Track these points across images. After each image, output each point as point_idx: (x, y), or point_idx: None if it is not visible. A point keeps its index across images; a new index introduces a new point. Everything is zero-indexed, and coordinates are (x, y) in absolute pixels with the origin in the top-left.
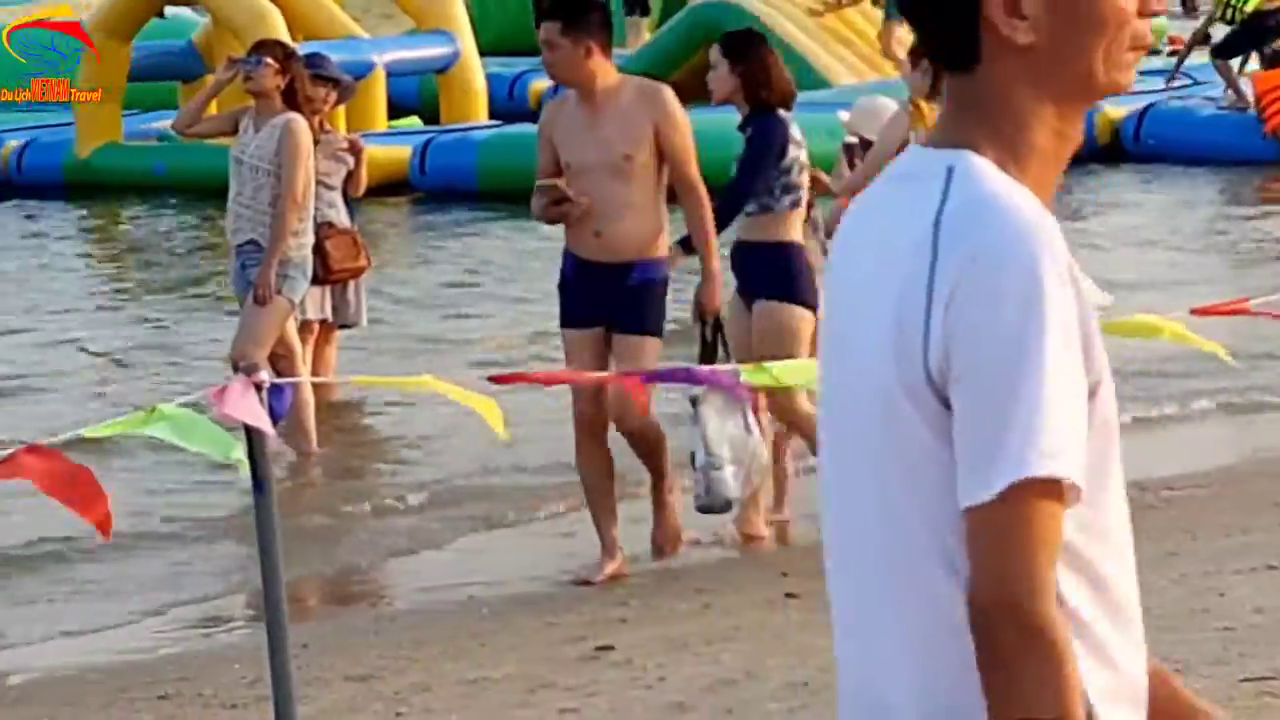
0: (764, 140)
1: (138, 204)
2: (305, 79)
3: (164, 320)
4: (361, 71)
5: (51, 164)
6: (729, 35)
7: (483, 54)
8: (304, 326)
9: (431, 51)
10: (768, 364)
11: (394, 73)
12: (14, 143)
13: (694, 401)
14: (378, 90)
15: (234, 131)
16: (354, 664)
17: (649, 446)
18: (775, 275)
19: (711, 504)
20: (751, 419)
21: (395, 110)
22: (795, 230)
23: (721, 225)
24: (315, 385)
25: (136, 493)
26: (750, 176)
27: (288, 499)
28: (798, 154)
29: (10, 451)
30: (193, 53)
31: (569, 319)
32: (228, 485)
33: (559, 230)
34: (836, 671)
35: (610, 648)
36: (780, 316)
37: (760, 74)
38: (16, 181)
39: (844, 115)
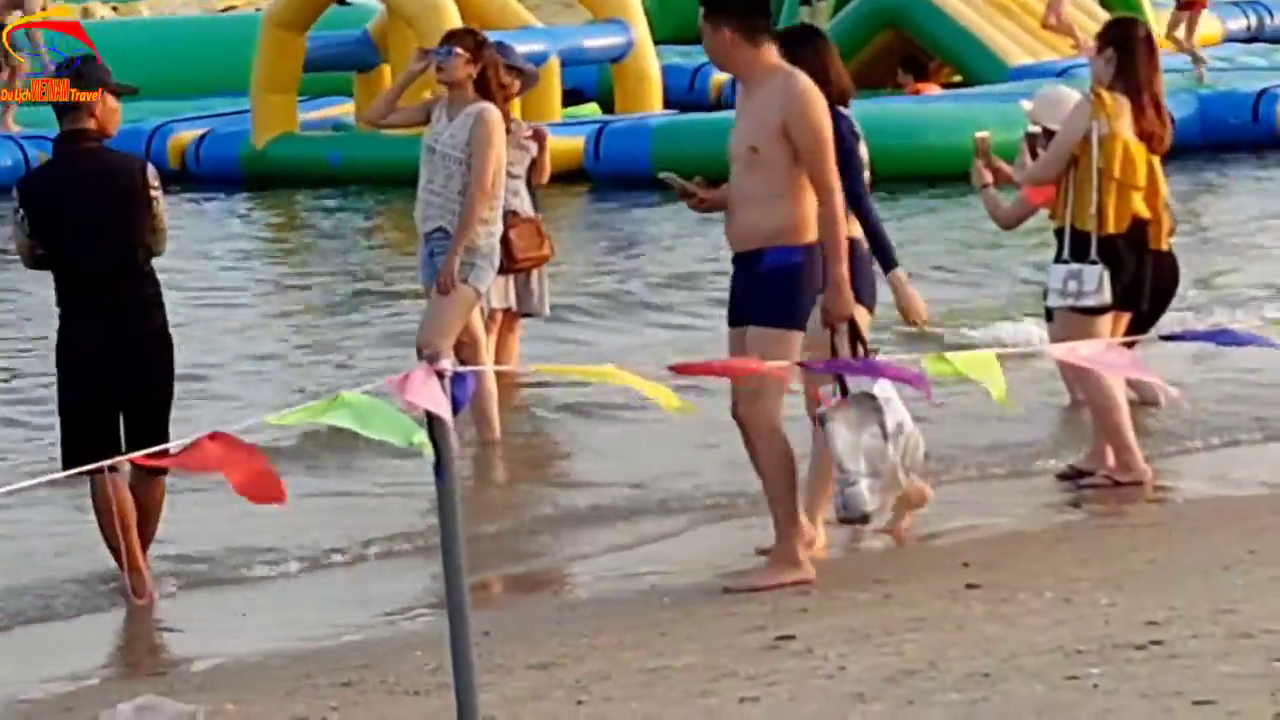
0: (838, 138)
1: (313, 194)
2: (499, 68)
3: (340, 308)
4: (536, 61)
5: (228, 155)
6: (787, 31)
7: (663, 44)
8: (488, 315)
9: (606, 41)
10: (949, 355)
11: (568, 62)
12: (192, 133)
13: (821, 420)
14: (552, 79)
15: (425, 122)
16: (535, 652)
17: (765, 448)
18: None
19: (849, 518)
20: (892, 425)
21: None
22: (855, 226)
23: (878, 232)
24: (499, 374)
25: (321, 483)
26: (857, 179)
27: (469, 486)
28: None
29: (195, 438)
30: (368, 42)
31: (729, 316)
32: (410, 474)
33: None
34: (1017, 663)
35: (791, 637)
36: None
37: (819, 72)
38: (194, 172)
39: (1026, 104)
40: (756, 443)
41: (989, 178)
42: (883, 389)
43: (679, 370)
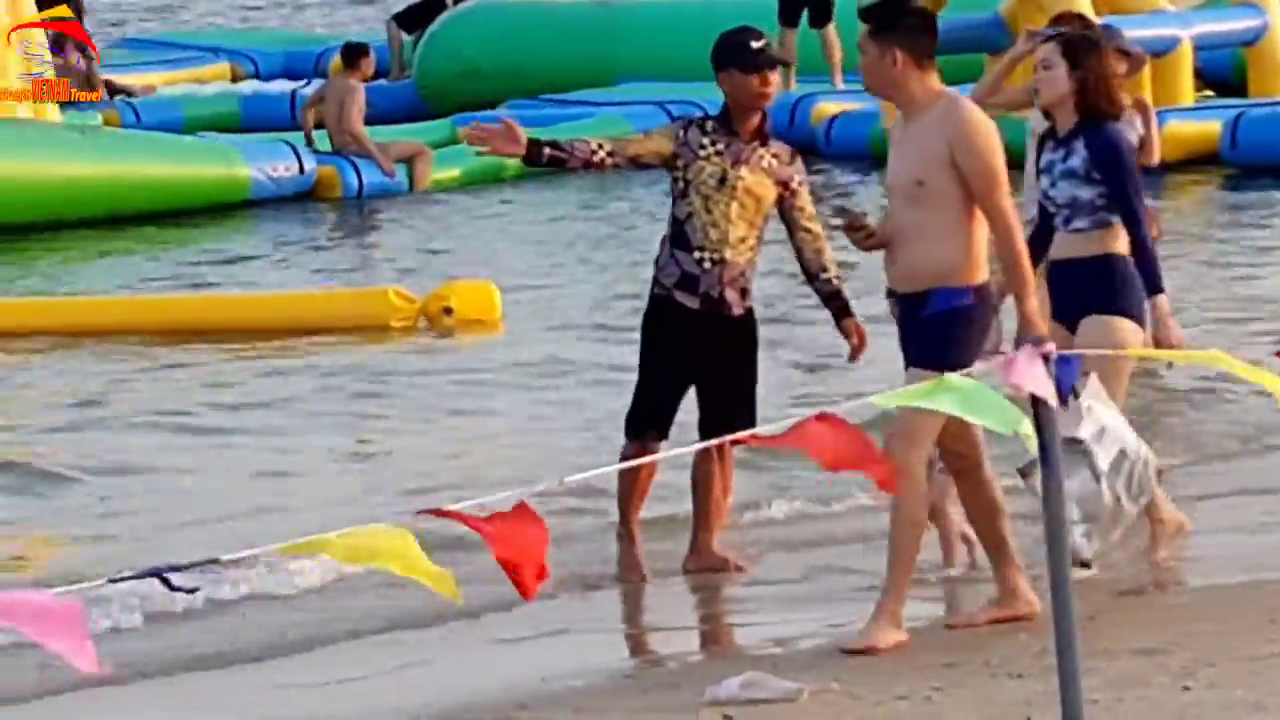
0: (1120, 152)
1: None
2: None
3: None
4: (1167, 46)
5: (860, 135)
6: (1071, 37)
7: None
8: None
9: (1238, 24)
10: None
11: (1200, 46)
12: (835, 106)
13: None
14: (1184, 64)
15: (1029, 105)
16: (1140, 638)
17: (907, 499)
18: (1108, 288)
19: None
20: (1110, 457)
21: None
22: (1123, 242)
23: (1153, 264)
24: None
25: None
26: (1136, 196)
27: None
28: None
29: (800, 418)
30: (999, 24)
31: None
32: (1008, 457)
33: None
34: None
35: None
36: (1115, 330)
37: (1101, 82)
38: (825, 151)
39: None
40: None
41: None
42: (1092, 424)
43: None
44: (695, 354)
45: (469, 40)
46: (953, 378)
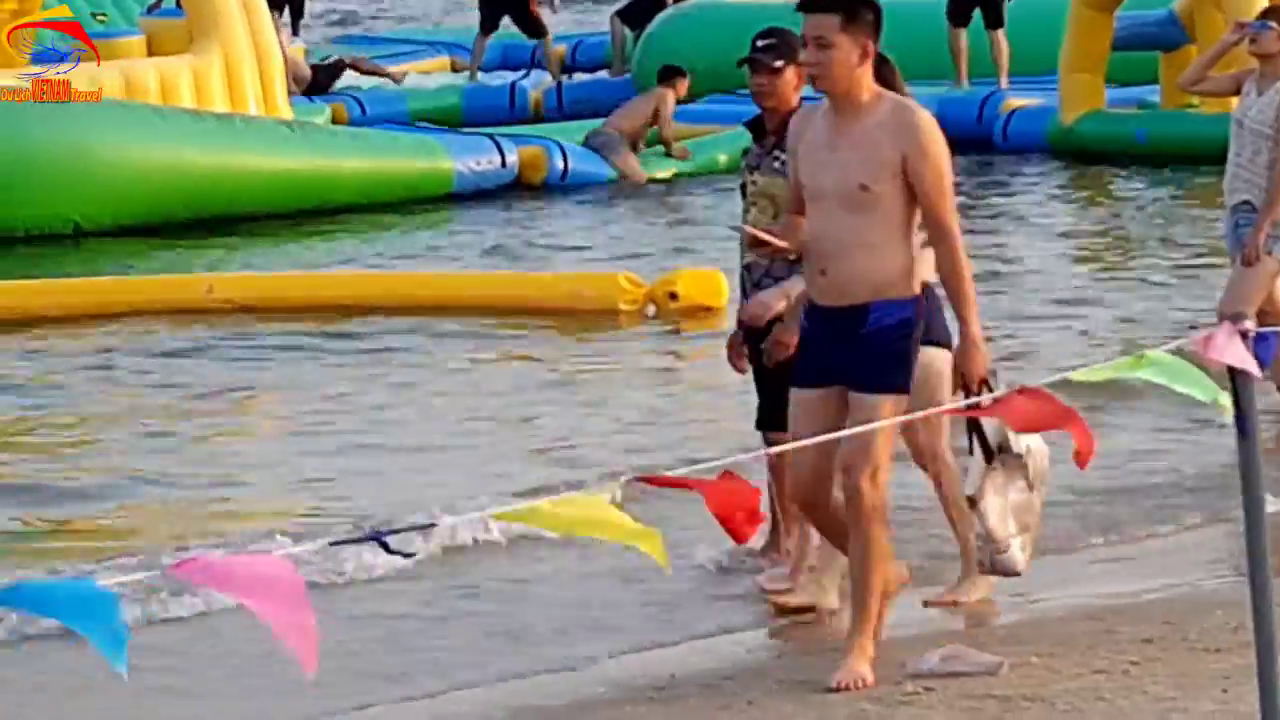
0: None
1: (1119, 169)
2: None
3: (1154, 278)
4: None
5: (1036, 130)
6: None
7: None
8: None
9: None
10: None
11: None
12: (1015, 102)
13: (972, 501)
14: None
15: (1235, 93)
16: None
17: (866, 526)
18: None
19: (996, 573)
20: (1032, 474)
21: None
22: (930, 268)
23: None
24: None
25: (1125, 439)
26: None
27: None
28: None
29: (1004, 392)
30: (1174, 22)
31: (796, 377)
32: (1214, 433)
33: None
34: None
35: None
36: (931, 360)
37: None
38: (1000, 146)
39: None
40: (866, 522)
41: None
42: (1021, 441)
43: None
44: (757, 354)
45: (685, 40)
46: (1154, 353)
